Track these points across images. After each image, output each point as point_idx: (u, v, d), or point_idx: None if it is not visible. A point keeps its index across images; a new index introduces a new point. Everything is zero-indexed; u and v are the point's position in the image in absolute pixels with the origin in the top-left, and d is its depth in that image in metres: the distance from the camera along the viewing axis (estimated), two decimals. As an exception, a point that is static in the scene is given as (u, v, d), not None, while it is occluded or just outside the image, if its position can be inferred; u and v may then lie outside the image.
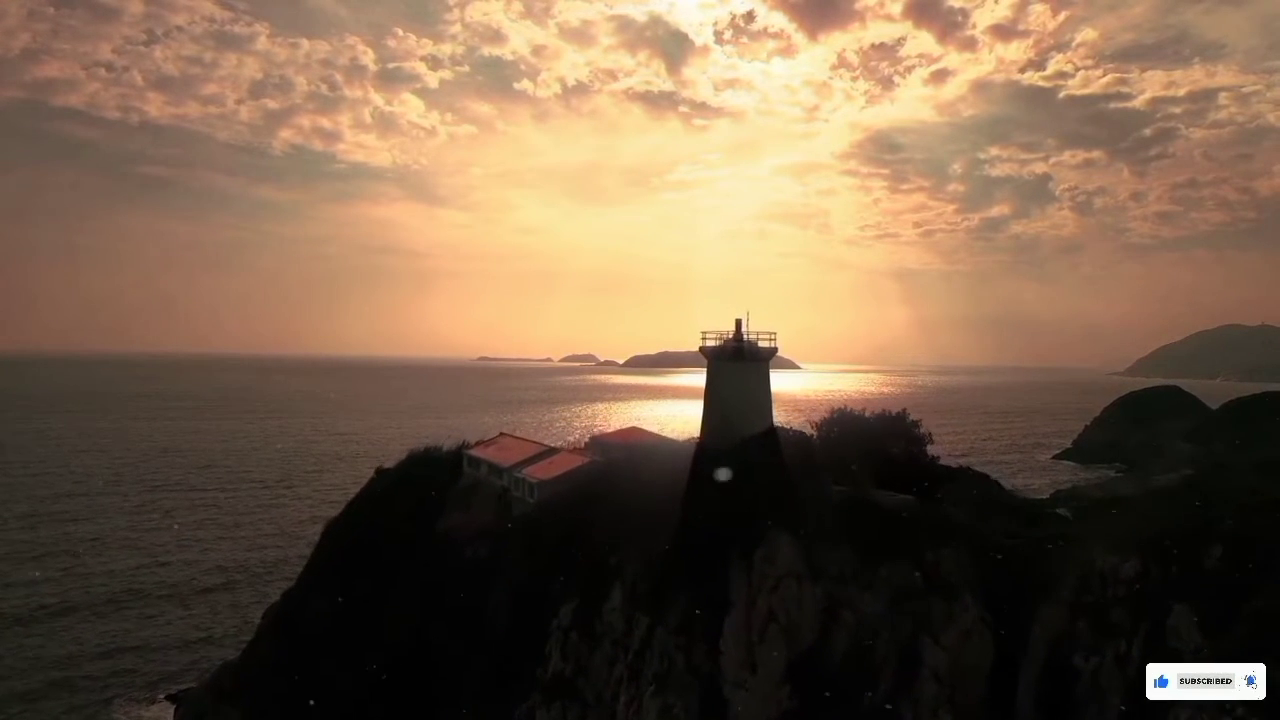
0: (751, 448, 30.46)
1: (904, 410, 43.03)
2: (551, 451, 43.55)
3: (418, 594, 36.52)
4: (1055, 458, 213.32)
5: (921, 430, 42.01)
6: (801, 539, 25.51)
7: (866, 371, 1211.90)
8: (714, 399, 33.61)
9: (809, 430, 43.66)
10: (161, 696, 58.87)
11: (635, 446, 45.58)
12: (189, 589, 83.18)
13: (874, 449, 38.99)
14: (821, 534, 25.70)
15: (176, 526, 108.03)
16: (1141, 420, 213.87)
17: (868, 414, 43.28)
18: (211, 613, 76.70)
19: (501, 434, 53.54)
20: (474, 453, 47.12)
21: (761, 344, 34.03)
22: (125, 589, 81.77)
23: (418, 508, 41.60)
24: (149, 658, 65.74)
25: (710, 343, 34.44)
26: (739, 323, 34.12)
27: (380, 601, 37.01)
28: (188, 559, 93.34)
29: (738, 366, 33.48)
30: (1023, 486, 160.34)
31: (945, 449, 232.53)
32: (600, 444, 48.51)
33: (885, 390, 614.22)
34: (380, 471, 50.32)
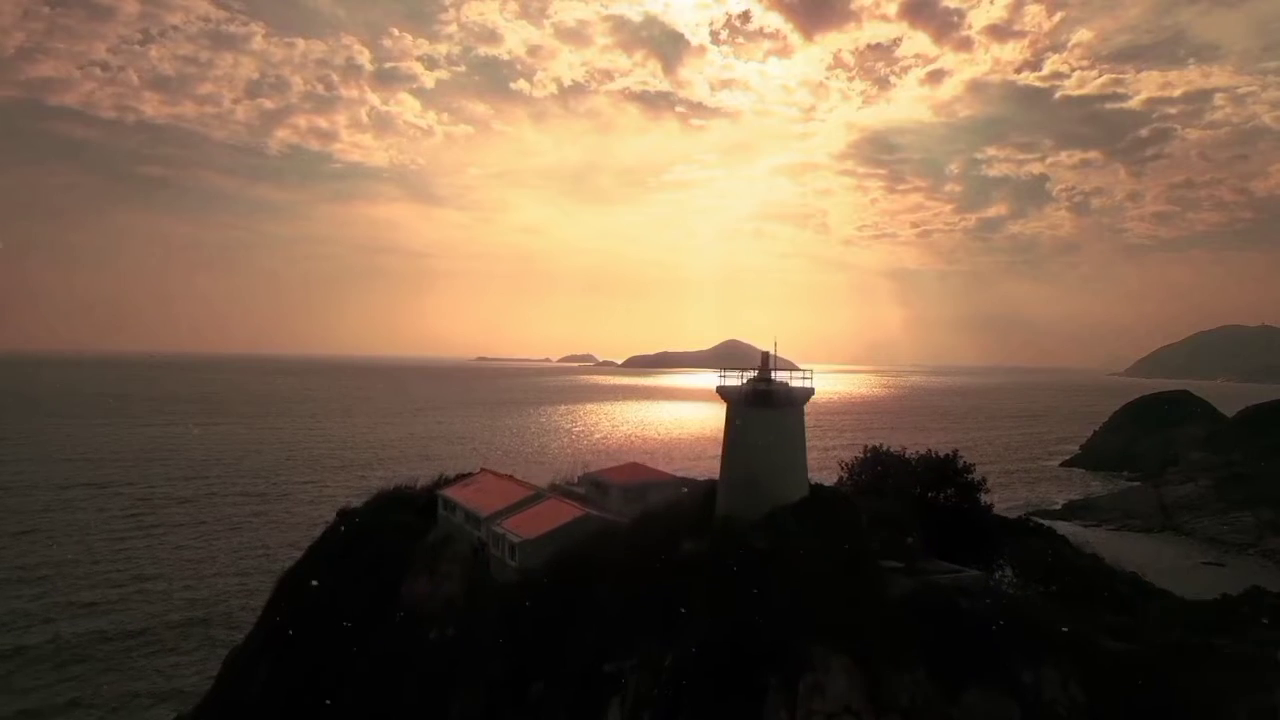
0: (787, 522, 24.00)
1: (954, 452, 36.74)
2: (537, 497, 37.18)
3: (371, 683, 30.26)
4: (1064, 464, 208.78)
5: (974, 476, 35.71)
6: (860, 657, 19.33)
7: (865, 372, 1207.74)
8: (736, 456, 26.84)
9: (838, 471, 37.40)
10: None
11: (636, 489, 39.46)
12: (162, 624, 76.20)
13: (917, 498, 32.83)
14: (884, 647, 19.53)
15: (156, 549, 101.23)
16: (1152, 426, 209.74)
17: (909, 455, 37.00)
18: (184, 652, 70.15)
19: (483, 469, 47.13)
20: (449, 494, 40.70)
21: (795, 384, 27.44)
22: (96, 620, 75.18)
23: (380, 565, 35.39)
24: (111, 712, 59.56)
25: (729, 381, 27.87)
26: (766, 357, 27.55)
27: (328, 686, 30.85)
28: (166, 587, 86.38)
29: (767, 415, 26.91)
30: (1039, 498, 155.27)
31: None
32: (595, 483, 42.23)
33: (884, 392, 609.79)
34: (343, 514, 43.95)
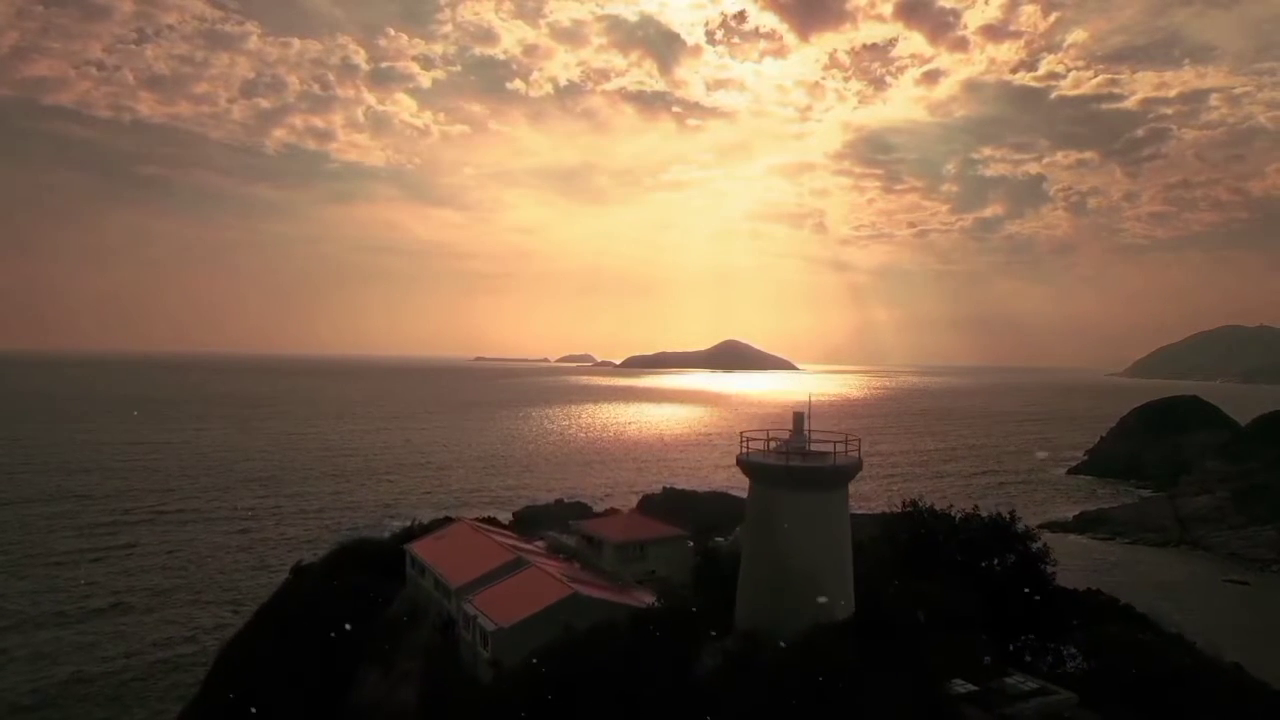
0: (835, 651, 18.16)
1: (1011, 512, 31.24)
2: (518, 564, 31.48)
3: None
4: (1071, 472, 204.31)
5: (1036, 544, 30.03)
6: None
7: (862, 372, 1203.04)
8: (763, 551, 20.58)
9: (871, 525, 32.02)
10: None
11: (633, 547, 33.99)
12: (127, 666, 70.08)
13: (970, 566, 27.41)
14: None
15: (132, 574, 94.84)
16: (1161, 432, 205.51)
17: (954, 512, 31.38)
18: (149, 699, 64.25)
19: (459, 519, 41.50)
20: (418, 551, 35.03)
21: (839, 457, 21.09)
22: (61, 661, 69.11)
23: (332, 646, 29.84)
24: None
25: (754, 450, 21.59)
26: (799, 418, 21.57)
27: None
28: (137, 620, 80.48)
29: (806, 500, 20.64)
30: (1048, 510, 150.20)
31: (955, 466, 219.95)
32: (587, 538, 36.44)
33: (882, 393, 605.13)
34: (297, 571, 38.39)
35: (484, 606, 27.52)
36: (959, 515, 31.13)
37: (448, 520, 41.12)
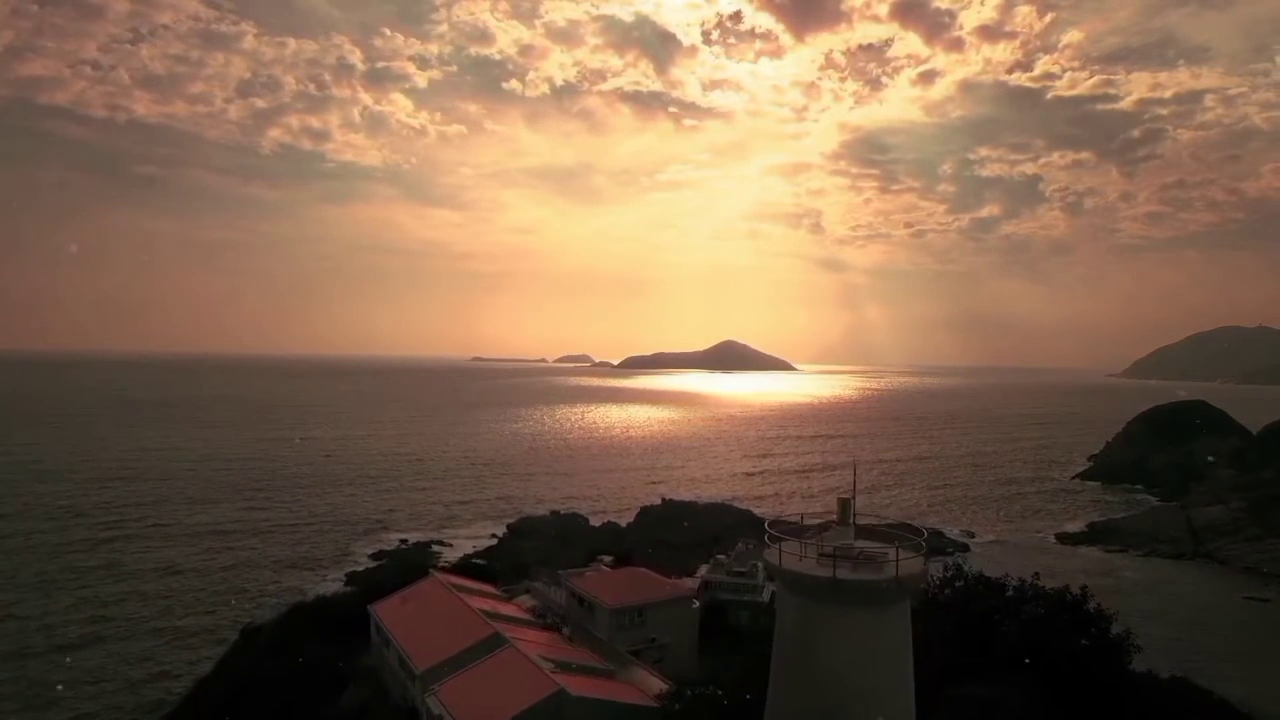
0: None
1: (1083, 590, 26.13)
2: (494, 642, 26.73)
3: None
4: (1076, 477, 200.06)
5: (1115, 628, 24.88)
6: None
7: (859, 372, 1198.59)
8: (798, 677, 15.84)
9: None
10: None
11: (630, 613, 29.40)
12: (97, 713, 65.02)
13: (1030, 651, 22.68)
14: None
15: (110, 596, 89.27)
16: (1169, 438, 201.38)
17: (1007, 584, 26.20)
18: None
19: (433, 571, 36.57)
20: (383, 617, 30.07)
21: (901, 561, 15.58)
22: (27, 697, 64.08)
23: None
24: None
25: (783, 546, 16.13)
26: (846, 505, 16.31)
27: None
28: (109, 650, 75.38)
29: (856, 619, 15.42)
30: (1056, 519, 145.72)
31: (960, 474, 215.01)
32: (579, 599, 31.60)
33: (880, 395, 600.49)
34: (247, 635, 33.63)
35: (451, 702, 22.79)
36: (1013, 585, 26.30)
37: (424, 563, 36.38)
